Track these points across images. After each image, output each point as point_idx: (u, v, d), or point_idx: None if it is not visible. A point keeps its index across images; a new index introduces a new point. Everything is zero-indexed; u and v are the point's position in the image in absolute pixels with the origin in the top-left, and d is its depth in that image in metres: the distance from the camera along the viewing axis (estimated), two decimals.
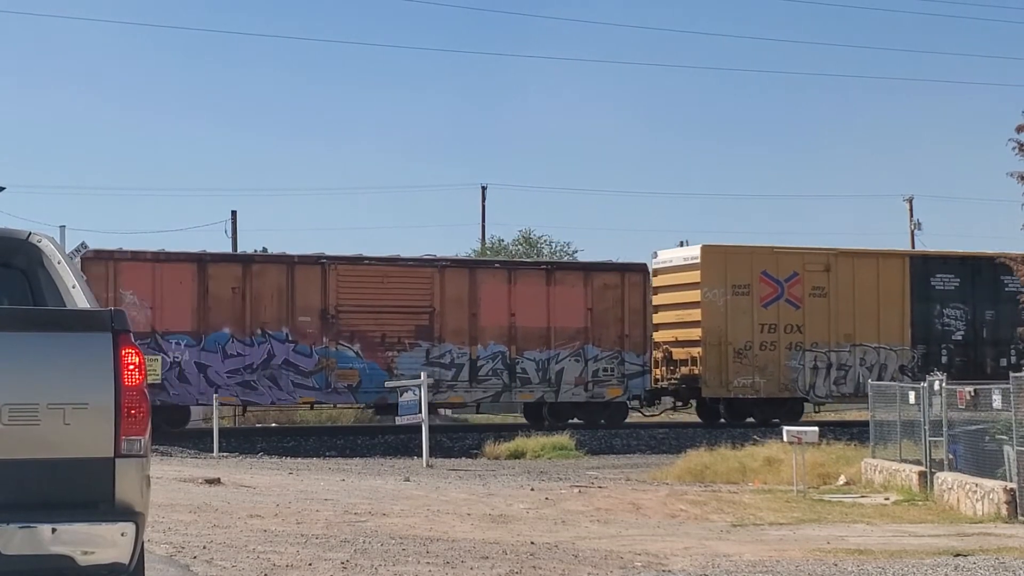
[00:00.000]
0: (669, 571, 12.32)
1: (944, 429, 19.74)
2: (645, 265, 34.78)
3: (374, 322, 31.79)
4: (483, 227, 59.04)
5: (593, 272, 33.72)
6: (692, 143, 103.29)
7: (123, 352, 6.29)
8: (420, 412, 26.69)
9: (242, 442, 30.09)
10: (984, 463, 18.47)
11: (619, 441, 32.64)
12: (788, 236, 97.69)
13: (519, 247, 57.72)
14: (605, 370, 33.29)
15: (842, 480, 23.16)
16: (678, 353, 34.72)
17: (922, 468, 20.65)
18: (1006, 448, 17.69)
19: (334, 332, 31.42)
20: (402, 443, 30.35)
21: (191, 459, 26.84)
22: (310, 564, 11.80)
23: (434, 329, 32.18)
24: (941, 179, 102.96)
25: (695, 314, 34.27)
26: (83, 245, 27.55)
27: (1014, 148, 30.68)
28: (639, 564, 12.69)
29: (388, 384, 30.03)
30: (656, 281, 34.74)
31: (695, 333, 34.27)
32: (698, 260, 34.26)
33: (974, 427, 19.07)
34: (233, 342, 30.68)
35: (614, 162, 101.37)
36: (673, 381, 34.89)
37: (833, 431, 30.33)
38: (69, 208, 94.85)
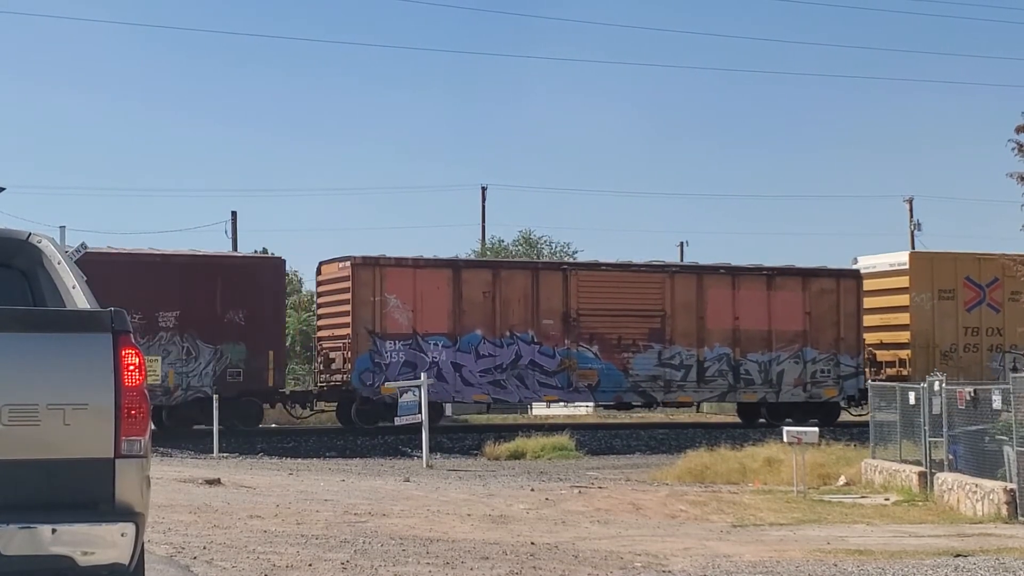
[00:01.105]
0: (669, 571, 12.32)
1: (944, 430, 19.73)
2: (858, 271, 36.50)
3: (611, 325, 33.65)
4: (483, 227, 59.10)
5: (810, 278, 35.56)
6: (692, 143, 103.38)
7: (123, 353, 6.28)
8: (420, 412, 26.68)
9: (242, 442, 30.08)
10: (984, 464, 18.47)
11: (619, 442, 32.67)
12: (787, 237, 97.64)
13: (519, 247, 57.74)
14: (822, 371, 34.99)
15: (842, 481, 23.15)
16: (882, 355, 36.26)
17: (922, 469, 20.65)
18: (1006, 449, 17.69)
19: (575, 334, 33.39)
20: (402, 443, 30.35)
21: (191, 459, 26.83)
22: (310, 565, 11.79)
23: (665, 332, 34.06)
24: (941, 180, 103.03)
25: (902, 318, 35.88)
26: (83, 245, 27.44)
27: (1014, 149, 30.70)
28: (639, 565, 12.69)
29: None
30: None
31: (902, 336, 35.88)
32: (906, 266, 35.97)
33: (974, 428, 19.06)
34: (484, 343, 32.68)
35: (614, 162, 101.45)
36: (879, 382, 36.11)
37: (833, 432, 30.36)
38: (69, 209, 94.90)
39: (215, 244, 60.74)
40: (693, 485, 22.87)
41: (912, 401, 21.16)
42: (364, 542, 13.57)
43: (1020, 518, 16.92)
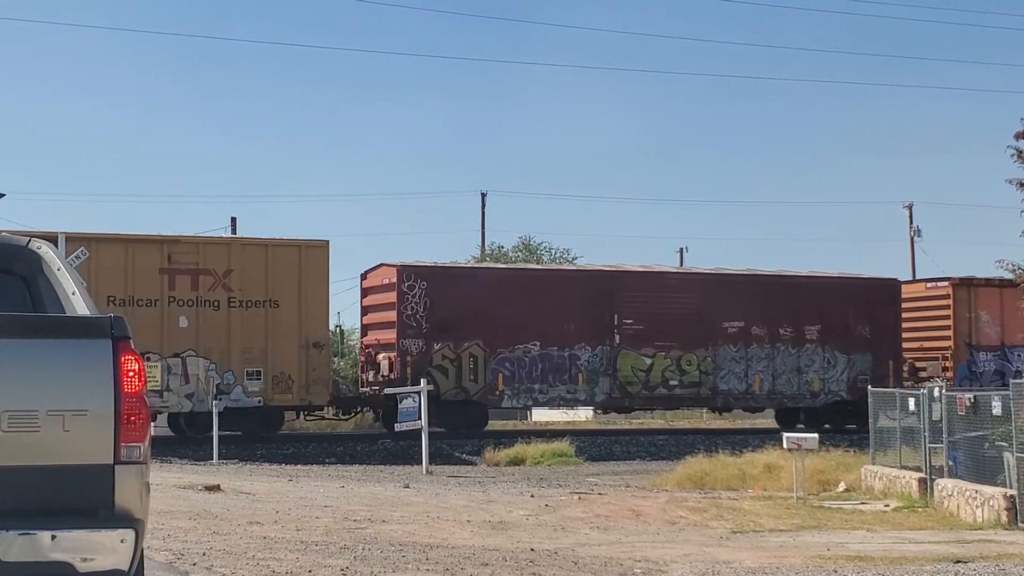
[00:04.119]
0: None
1: (944, 436, 19.71)
2: None
3: None
4: (483, 233, 59.18)
5: None
6: (690, 149, 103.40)
7: (123, 359, 6.27)
8: (420, 419, 26.66)
9: (242, 449, 30.07)
10: (984, 469, 18.45)
11: (619, 448, 32.66)
12: (787, 242, 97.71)
13: (519, 254, 57.74)
14: None
15: (842, 487, 23.13)
16: None
17: (922, 475, 20.63)
18: (1006, 455, 17.67)
19: None
20: (402, 450, 30.31)
21: (190, 466, 26.81)
22: (310, 571, 11.78)
23: None
24: (941, 186, 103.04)
25: None
26: (83, 251, 27.48)
27: (1013, 155, 30.71)
28: (639, 571, 12.68)
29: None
30: None
31: None
32: None
33: (974, 433, 19.04)
34: None
35: (613, 168, 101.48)
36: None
37: (832, 438, 30.33)
38: (69, 214, 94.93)
39: None
40: (693, 491, 22.85)
41: (912, 407, 21.15)
42: (364, 548, 13.55)
43: (1020, 524, 16.90)
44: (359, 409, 35.00)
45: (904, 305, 37.73)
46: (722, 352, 35.49)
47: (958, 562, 13.39)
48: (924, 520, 18.41)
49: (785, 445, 21.80)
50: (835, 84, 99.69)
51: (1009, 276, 34.83)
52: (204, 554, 12.66)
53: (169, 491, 19.39)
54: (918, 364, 37.65)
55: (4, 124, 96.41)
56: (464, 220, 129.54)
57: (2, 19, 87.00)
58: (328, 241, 32.45)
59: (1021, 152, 30.13)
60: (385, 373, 32.78)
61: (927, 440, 20.50)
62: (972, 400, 19.16)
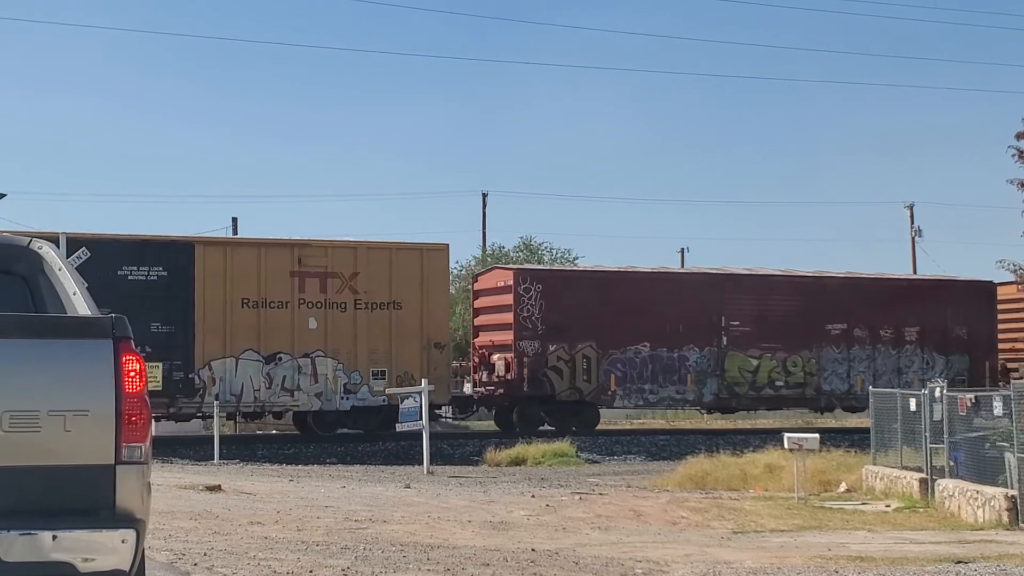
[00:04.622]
0: None
1: (945, 436, 19.70)
2: None
3: None
4: (484, 234, 59.15)
5: None
6: (692, 149, 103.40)
7: (124, 359, 6.27)
8: (421, 419, 26.66)
9: (243, 449, 30.07)
10: (985, 470, 18.44)
11: (620, 448, 32.64)
12: (787, 242, 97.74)
13: (520, 254, 57.71)
14: None
15: (843, 487, 23.12)
16: None
17: (923, 475, 20.63)
18: (1007, 455, 17.67)
19: None
20: (403, 450, 30.33)
21: (192, 466, 26.81)
22: (311, 571, 11.78)
23: None
24: (942, 186, 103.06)
25: None
26: (84, 252, 27.51)
27: (1014, 155, 30.77)
28: (640, 571, 12.68)
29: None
30: None
31: None
32: None
33: (975, 434, 19.04)
34: None
35: (614, 169, 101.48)
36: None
37: (834, 438, 30.32)
38: (70, 215, 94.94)
39: None
40: (694, 491, 22.85)
41: (913, 407, 21.14)
42: (365, 548, 13.55)
43: (1021, 524, 16.88)
44: (474, 408, 35.90)
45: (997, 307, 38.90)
46: (826, 353, 36.58)
47: (959, 562, 13.38)
48: (925, 520, 18.41)
49: (786, 445, 21.79)
50: (837, 84, 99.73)
51: (1011, 276, 34.96)
52: (205, 554, 12.67)
53: (170, 491, 19.39)
54: (1010, 365, 38.46)
55: (4, 124, 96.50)
56: (465, 220, 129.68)
57: (2, 19, 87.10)
58: (448, 245, 33.91)
59: (1022, 152, 30.17)
60: (501, 374, 33.75)
61: (928, 440, 20.49)
62: (973, 400, 19.16)
